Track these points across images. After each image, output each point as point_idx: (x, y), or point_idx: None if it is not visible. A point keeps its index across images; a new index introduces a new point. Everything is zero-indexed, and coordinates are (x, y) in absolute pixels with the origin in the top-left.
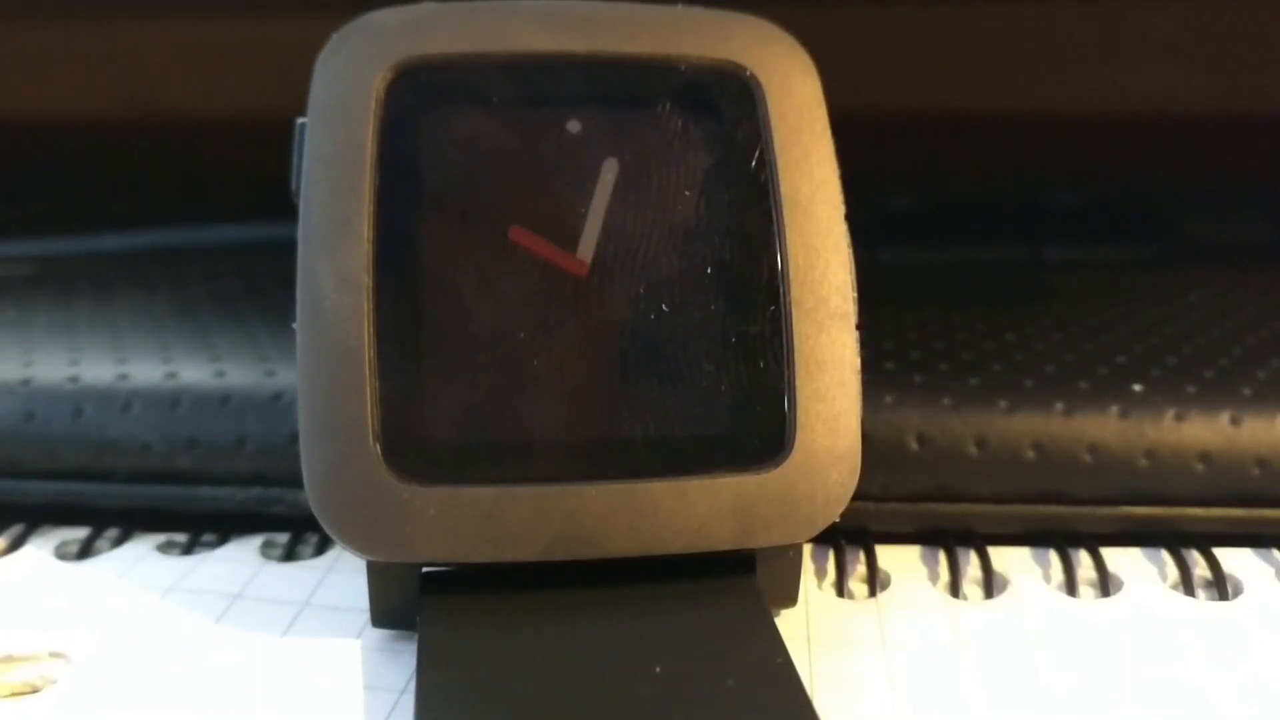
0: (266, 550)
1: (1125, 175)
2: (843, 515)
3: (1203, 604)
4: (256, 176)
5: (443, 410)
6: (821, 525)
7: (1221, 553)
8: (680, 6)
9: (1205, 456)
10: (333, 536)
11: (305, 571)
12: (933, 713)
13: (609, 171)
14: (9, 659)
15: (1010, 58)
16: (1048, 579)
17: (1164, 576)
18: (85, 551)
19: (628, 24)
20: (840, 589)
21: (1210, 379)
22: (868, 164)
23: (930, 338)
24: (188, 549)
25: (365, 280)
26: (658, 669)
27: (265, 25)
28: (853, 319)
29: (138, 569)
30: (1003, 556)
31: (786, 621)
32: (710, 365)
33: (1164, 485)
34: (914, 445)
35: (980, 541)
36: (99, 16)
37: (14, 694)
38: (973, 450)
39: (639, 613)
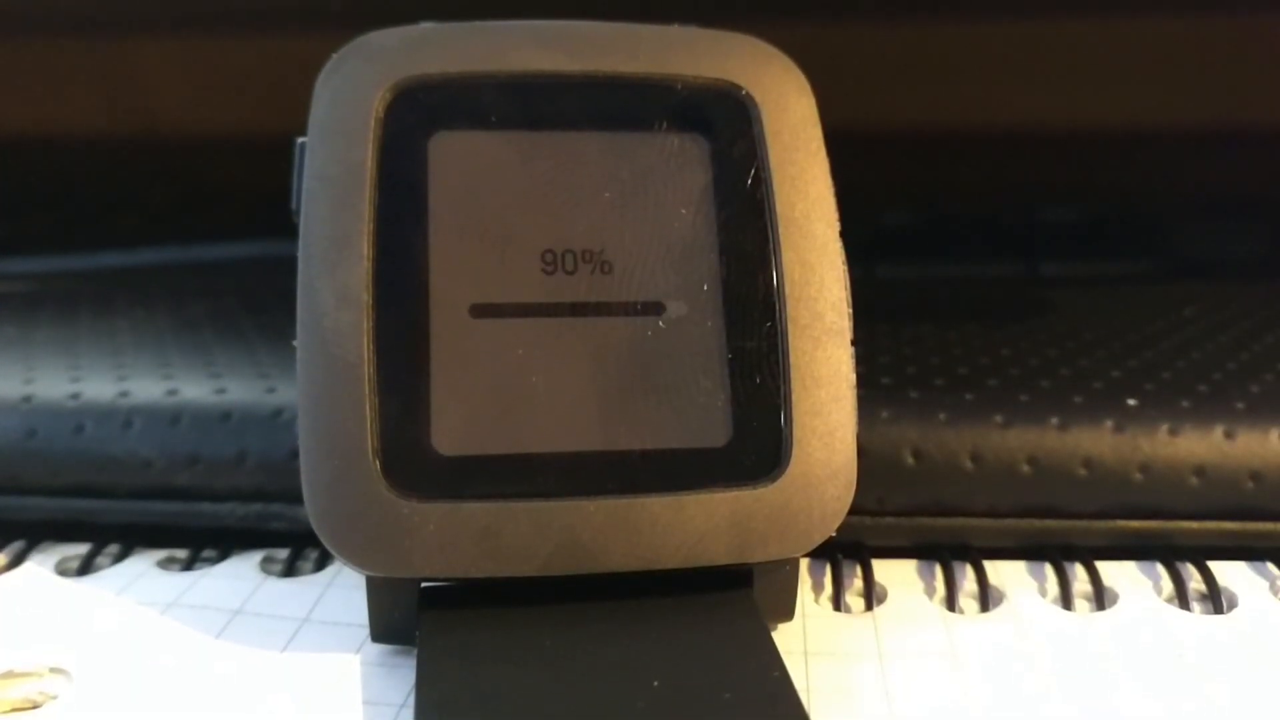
0: (266, 566)
1: (1120, 190)
2: (839, 529)
3: (1197, 617)
4: (257, 194)
5: (441, 426)
6: (818, 540)
7: (1216, 566)
8: (676, 26)
9: (1199, 470)
10: (332, 552)
11: (305, 587)
12: None
13: (606, 189)
14: (10, 675)
15: (1005, 74)
16: (1043, 592)
17: (1159, 590)
18: (86, 568)
19: (625, 44)
20: (837, 603)
21: (1204, 393)
22: (863, 181)
23: (926, 353)
24: (188, 565)
25: (365, 297)
26: (655, 683)
27: (266, 45)
28: (848, 335)
29: (138, 585)
30: (998, 570)
31: (783, 635)
32: (707, 381)
33: (1158, 499)
34: (910, 460)
35: (976, 555)
36: (100, 35)
37: (14, 710)
38: (968, 465)
39: (636, 627)
